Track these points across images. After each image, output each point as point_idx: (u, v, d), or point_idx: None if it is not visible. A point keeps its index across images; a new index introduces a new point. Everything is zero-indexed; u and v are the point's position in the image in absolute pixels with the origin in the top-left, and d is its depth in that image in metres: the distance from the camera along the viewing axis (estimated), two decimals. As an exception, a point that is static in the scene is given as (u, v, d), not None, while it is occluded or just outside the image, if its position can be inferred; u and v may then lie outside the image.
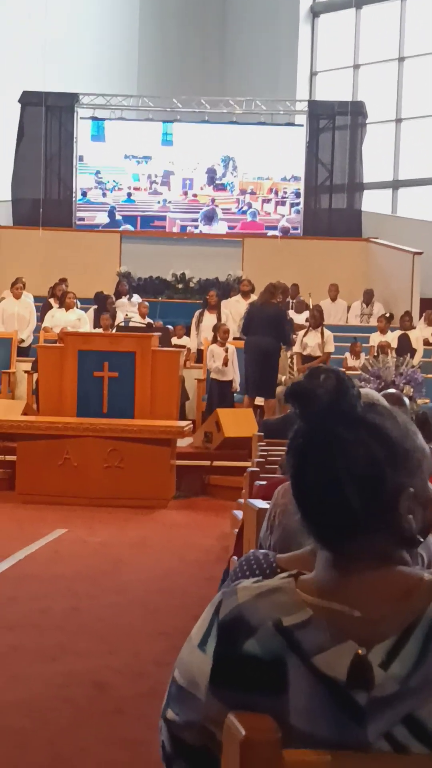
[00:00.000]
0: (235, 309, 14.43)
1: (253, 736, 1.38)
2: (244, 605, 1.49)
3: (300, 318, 14.37)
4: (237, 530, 5.04)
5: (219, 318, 13.68)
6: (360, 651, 1.41)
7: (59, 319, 13.43)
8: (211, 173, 18.71)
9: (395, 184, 19.32)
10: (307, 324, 13.22)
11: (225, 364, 12.00)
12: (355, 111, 18.61)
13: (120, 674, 4.70)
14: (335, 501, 1.45)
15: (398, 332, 13.87)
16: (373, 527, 1.47)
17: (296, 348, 12.20)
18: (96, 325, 13.42)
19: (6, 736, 3.90)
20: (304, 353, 12.45)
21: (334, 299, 16.03)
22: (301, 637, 1.44)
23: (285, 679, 1.43)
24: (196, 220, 18.74)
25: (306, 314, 13.89)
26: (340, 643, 1.42)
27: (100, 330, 12.68)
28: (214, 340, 12.42)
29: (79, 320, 13.35)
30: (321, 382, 1.49)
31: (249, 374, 11.61)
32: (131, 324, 13.67)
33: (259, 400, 12.07)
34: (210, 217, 18.69)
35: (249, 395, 11.66)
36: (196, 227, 18.70)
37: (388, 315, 14.60)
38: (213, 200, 18.69)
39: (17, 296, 14.15)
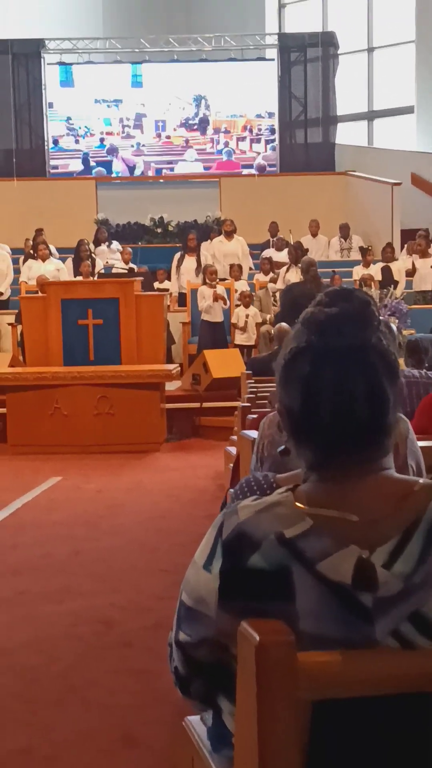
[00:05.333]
0: (219, 250, 14.38)
1: (267, 640, 1.41)
2: (245, 522, 1.53)
3: (280, 256, 14.35)
4: (232, 465, 5.09)
5: (199, 260, 13.62)
6: (363, 554, 1.46)
7: (36, 270, 13.25)
8: (184, 113, 18.49)
9: (370, 115, 19.14)
10: (288, 261, 13.21)
11: (215, 300, 11.95)
12: (326, 42, 18.38)
13: (124, 610, 4.78)
14: (351, 416, 1.52)
15: (380, 264, 13.87)
16: (373, 441, 1.54)
17: (279, 284, 12.10)
18: (76, 274, 13.34)
19: (19, 673, 4.00)
20: (288, 290, 12.23)
21: (314, 235, 16.00)
22: (304, 546, 1.48)
23: (291, 588, 1.47)
24: (171, 162, 18.57)
25: (286, 251, 13.86)
26: (342, 548, 1.47)
27: (81, 278, 12.58)
28: (203, 282, 12.39)
29: (58, 271, 13.18)
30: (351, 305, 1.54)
31: None
32: (113, 270, 13.59)
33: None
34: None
35: None
36: (172, 169, 18.54)
37: (367, 247, 14.57)
38: (187, 141, 18.50)
39: (-9, 249, 14.05)
